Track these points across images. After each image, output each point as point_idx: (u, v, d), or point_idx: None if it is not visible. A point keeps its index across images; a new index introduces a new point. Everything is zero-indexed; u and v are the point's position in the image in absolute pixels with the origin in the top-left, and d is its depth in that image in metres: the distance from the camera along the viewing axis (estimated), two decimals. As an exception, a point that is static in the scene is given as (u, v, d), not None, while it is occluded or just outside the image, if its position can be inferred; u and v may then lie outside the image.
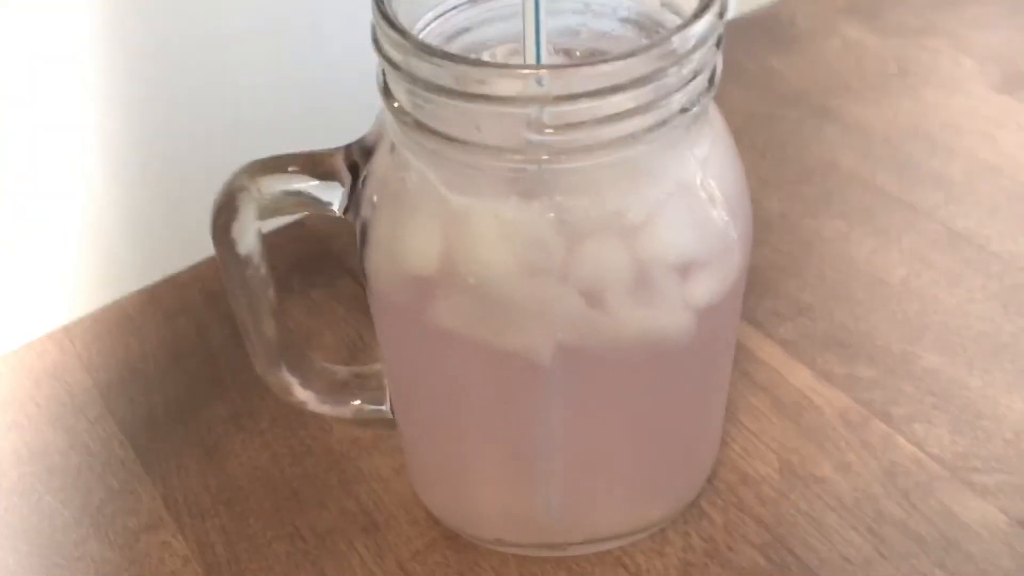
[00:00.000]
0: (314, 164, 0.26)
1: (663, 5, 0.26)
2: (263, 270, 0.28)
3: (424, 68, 0.21)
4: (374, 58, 0.23)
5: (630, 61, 0.21)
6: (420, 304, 0.25)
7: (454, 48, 0.25)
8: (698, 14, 0.22)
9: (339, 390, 0.32)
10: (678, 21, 0.25)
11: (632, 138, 0.22)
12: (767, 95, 0.51)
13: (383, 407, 0.32)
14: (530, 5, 0.21)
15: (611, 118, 0.21)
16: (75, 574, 0.32)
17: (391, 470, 0.35)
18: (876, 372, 0.37)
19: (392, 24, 0.22)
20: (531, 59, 0.22)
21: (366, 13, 0.23)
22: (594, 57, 0.21)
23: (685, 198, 0.24)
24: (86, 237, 0.45)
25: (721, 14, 0.22)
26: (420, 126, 0.23)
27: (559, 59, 0.29)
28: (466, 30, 0.26)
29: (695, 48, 0.21)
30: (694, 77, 0.22)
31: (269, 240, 0.28)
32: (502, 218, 0.23)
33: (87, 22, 0.40)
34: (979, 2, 0.57)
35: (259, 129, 0.48)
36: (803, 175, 0.47)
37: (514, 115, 0.21)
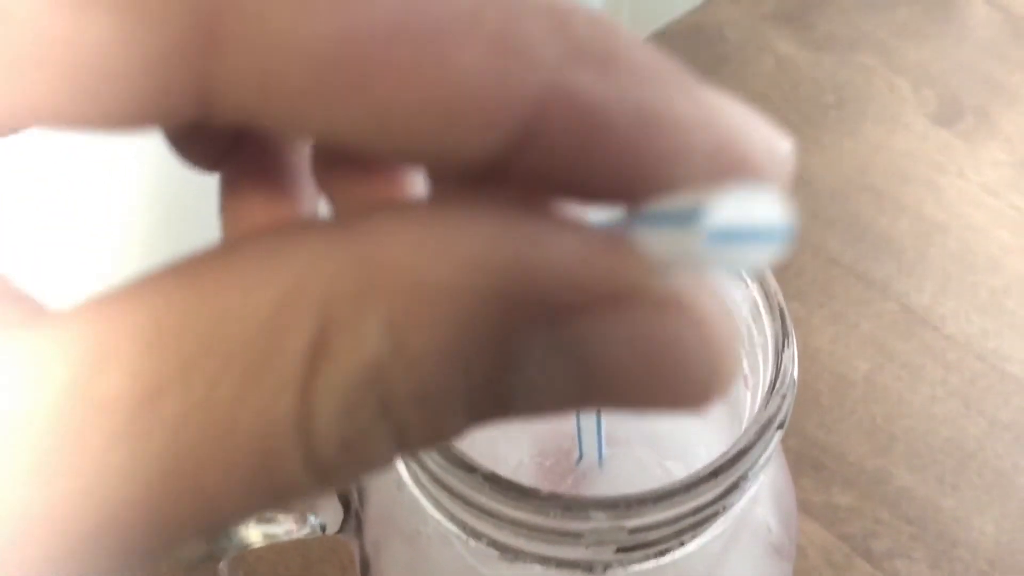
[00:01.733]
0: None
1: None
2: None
3: (457, 483, 0.18)
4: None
5: (712, 482, 0.17)
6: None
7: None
8: (770, 421, 0.18)
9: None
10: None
11: (700, 527, 0.19)
12: (704, 134, 0.48)
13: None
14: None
15: (678, 534, 0.18)
16: None
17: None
18: (852, 498, 0.37)
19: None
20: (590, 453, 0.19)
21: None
22: (666, 490, 0.17)
23: (743, 535, 0.21)
24: None
25: (793, 384, 0.19)
26: (449, 516, 0.19)
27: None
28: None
29: (773, 441, 0.18)
30: (763, 460, 0.19)
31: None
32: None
33: None
34: (907, 5, 0.55)
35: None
36: (752, 240, 0.44)
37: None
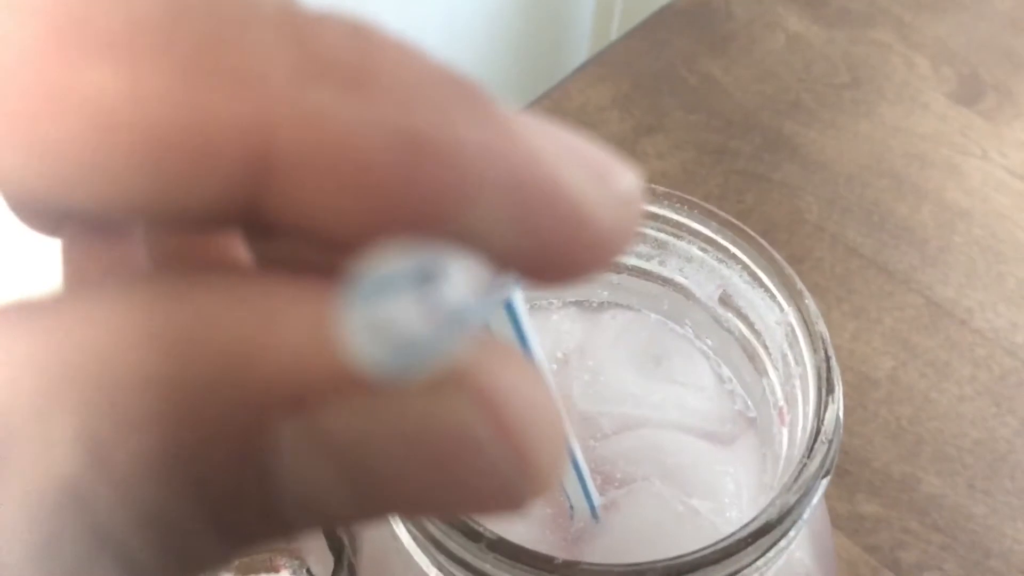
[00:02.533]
0: (281, 550, 0.20)
1: (722, 302, 0.20)
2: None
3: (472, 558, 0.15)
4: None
5: (738, 556, 0.15)
6: None
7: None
8: (810, 487, 0.16)
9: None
10: (741, 326, 0.20)
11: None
12: (714, 119, 0.46)
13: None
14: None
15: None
16: None
17: None
18: (878, 506, 0.35)
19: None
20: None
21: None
22: (697, 559, 0.15)
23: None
24: None
25: (839, 432, 0.17)
26: None
27: (571, 317, 0.23)
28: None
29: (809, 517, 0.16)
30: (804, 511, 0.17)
31: None
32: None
33: None
34: (922, -25, 0.52)
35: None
36: (768, 231, 0.42)
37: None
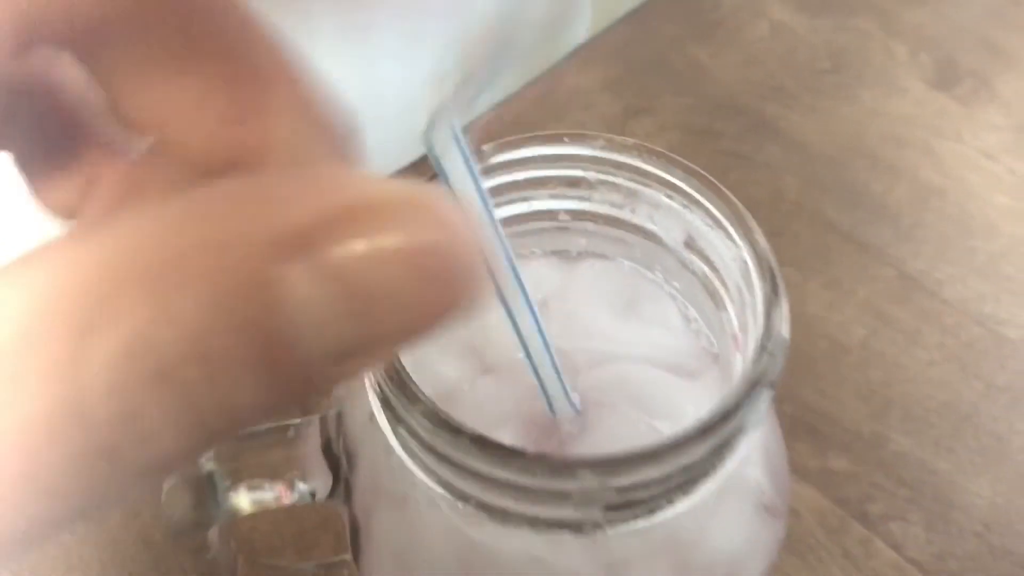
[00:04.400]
0: (278, 458, 0.22)
1: (687, 246, 0.22)
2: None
3: (444, 446, 0.18)
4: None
5: (698, 441, 0.17)
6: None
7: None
8: (760, 354, 0.18)
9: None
10: (704, 267, 0.22)
11: (688, 487, 0.19)
12: (701, 102, 0.48)
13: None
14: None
15: (665, 493, 0.18)
16: None
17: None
18: (848, 462, 0.37)
19: (406, 392, 0.18)
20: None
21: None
22: (654, 448, 0.17)
23: (733, 498, 0.21)
24: None
25: (785, 340, 0.19)
26: (438, 480, 0.19)
27: (551, 266, 0.25)
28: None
29: (761, 401, 0.18)
30: (753, 418, 0.19)
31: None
32: (537, 559, 0.20)
33: None
34: (904, -34, 0.54)
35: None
36: (749, 207, 0.44)
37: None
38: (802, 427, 0.37)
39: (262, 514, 0.23)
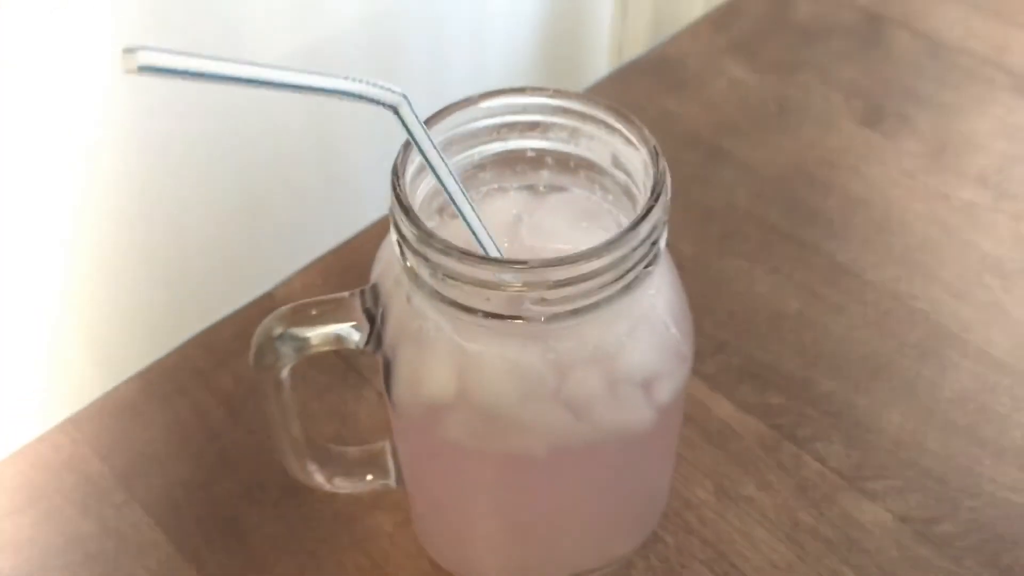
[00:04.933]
0: (334, 310, 0.31)
1: (614, 164, 0.32)
2: (290, 390, 0.33)
3: (436, 255, 0.27)
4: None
5: (609, 250, 0.27)
6: (437, 423, 0.31)
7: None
8: (651, 205, 0.28)
9: (353, 469, 0.38)
10: (626, 179, 0.32)
11: (607, 299, 0.28)
12: (668, 138, 0.58)
13: (389, 480, 0.38)
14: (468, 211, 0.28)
15: (591, 292, 0.27)
16: (135, 651, 0.37)
17: (393, 525, 0.41)
18: (784, 399, 0.45)
19: (407, 212, 0.28)
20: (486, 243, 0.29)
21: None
22: (577, 254, 0.27)
23: (645, 326, 0.30)
24: (78, 327, 0.49)
25: (667, 195, 0.29)
26: (437, 295, 0.28)
27: (524, 197, 0.35)
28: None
29: (654, 229, 0.28)
30: (652, 247, 0.28)
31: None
32: (508, 359, 0.29)
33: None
34: (841, 33, 0.65)
35: (245, 209, 0.52)
36: (707, 216, 0.54)
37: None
38: (746, 374, 0.46)
39: (313, 356, 0.32)
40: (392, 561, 0.40)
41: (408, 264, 0.29)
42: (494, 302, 0.28)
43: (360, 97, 0.26)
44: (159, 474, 0.43)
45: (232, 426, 0.44)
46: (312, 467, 0.36)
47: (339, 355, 0.47)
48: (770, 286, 0.50)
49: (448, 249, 0.27)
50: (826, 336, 0.48)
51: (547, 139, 0.33)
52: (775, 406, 0.45)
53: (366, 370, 0.46)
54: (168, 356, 0.47)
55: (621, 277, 0.28)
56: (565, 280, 0.27)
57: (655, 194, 0.28)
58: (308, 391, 0.46)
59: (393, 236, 0.29)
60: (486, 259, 0.27)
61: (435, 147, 0.28)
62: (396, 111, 0.27)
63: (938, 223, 0.53)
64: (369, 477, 0.38)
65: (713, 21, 0.67)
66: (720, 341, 0.48)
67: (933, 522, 0.41)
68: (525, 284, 0.27)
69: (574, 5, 0.77)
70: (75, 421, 0.45)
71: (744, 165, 0.56)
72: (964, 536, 0.40)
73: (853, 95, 0.61)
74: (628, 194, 0.32)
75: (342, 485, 0.38)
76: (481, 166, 0.33)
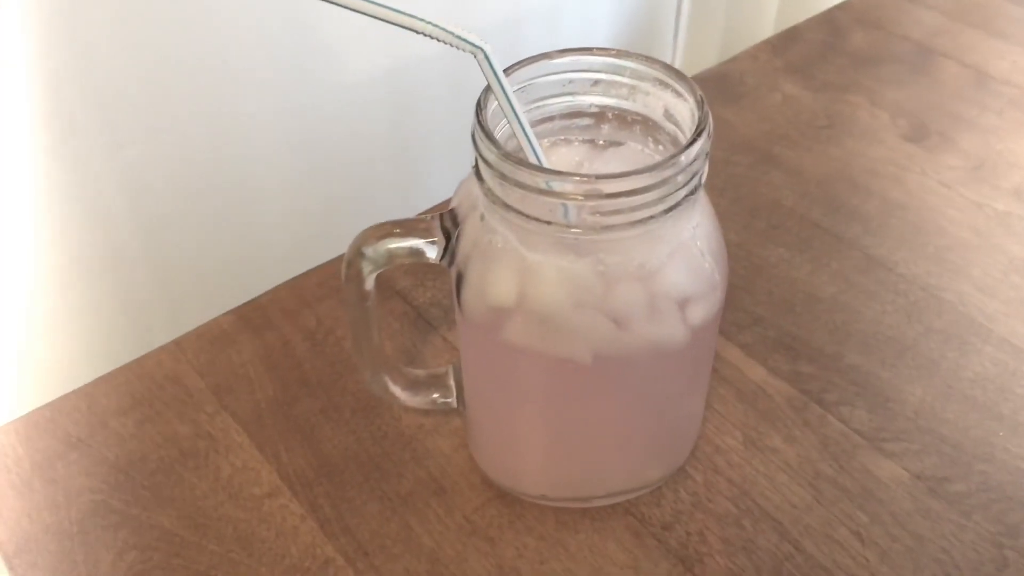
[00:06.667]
0: (416, 228, 0.37)
1: (666, 116, 0.37)
2: (375, 302, 0.39)
3: (510, 169, 0.32)
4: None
5: (654, 172, 0.32)
6: (499, 327, 0.36)
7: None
8: (694, 139, 0.33)
9: (420, 387, 0.43)
10: (676, 130, 0.37)
11: (651, 219, 0.33)
12: (722, 143, 0.63)
13: (451, 400, 0.43)
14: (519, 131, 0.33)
15: (639, 208, 0.32)
16: (219, 530, 0.42)
17: (451, 448, 0.45)
18: (813, 368, 0.49)
19: (488, 135, 0.33)
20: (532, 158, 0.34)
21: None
22: (624, 169, 0.32)
23: (684, 253, 0.35)
24: (184, 267, 0.55)
25: (709, 135, 0.34)
26: (507, 207, 0.34)
27: (585, 149, 0.40)
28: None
29: (694, 160, 0.33)
30: (692, 177, 0.33)
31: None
32: (562, 269, 0.34)
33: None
34: (892, 61, 0.70)
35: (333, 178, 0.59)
36: (753, 210, 0.58)
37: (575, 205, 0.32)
38: (780, 345, 0.50)
39: (397, 267, 0.37)
40: (448, 476, 0.44)
41: (485, 183, 0.34)
42: (554, 212, 0.33)
43: (454, 37, 0.32)
44: (247, 391, 0.48)
45: (313, 357, 0.50)
46: (386, 378, 0.41)
47: (411, 304, 0.52)
48: (808, 272, 0.54)
49: (520, 164, 0.32)
50: (857, 318, 0.52)
51: (607, 96, 0.38)
52: (805, 374, 0.49)
53: (434, 320, 0.51)
54: (260, 296, 0.53)
55: (666, 197, 0.33)
56: (616, 192, 0.32)
57: (699, 130, 0.33)
58: (383, 333, 0.51)
59: (473, 161, 0.34)
60: (551, 170, 0.32)
61: (507, 93, 0.34)
62: (484, 54, 0.33)
63: (971, 228, 0.57)
64: (435, 395, 0.43)
65: (772, 45, 0.72)
66: (757, 316, 0.52)
67: (946, 480, 0.44)
68: (583, 193, 0.32)
69: (646, 27, 0.82)
70: (178, 343, 0.51)
71: (791, 169, 0.61)
72: (974, 495, 0.44)
73: (899, 114, 0.65)
74: (676, 144, 0.37)
75: (410, 400, 0.43)
76: (550, 117, 0.39)
